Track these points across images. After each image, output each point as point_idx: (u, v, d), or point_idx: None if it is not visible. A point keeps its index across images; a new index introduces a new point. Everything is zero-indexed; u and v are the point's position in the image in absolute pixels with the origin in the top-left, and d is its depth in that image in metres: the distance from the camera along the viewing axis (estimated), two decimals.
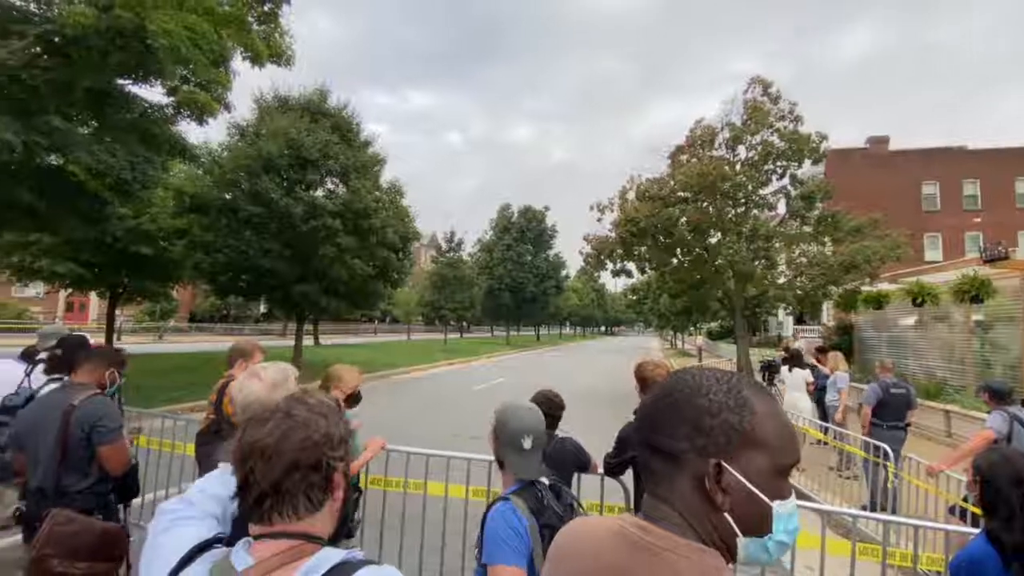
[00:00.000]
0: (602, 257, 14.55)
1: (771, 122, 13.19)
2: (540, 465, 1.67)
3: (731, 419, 0.68)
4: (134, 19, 5.68)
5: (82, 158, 8.29)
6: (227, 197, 14.36)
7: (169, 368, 13.83)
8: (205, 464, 2.82)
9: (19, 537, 3.94)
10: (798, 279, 13.68)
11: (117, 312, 19.19)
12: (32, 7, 7.60)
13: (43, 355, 4.25)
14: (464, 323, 40.78)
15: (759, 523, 0.67)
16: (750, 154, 13.58)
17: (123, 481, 2.67)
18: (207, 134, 54.11)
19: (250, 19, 6.66)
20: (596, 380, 17.70)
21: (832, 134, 13.52)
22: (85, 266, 15.55)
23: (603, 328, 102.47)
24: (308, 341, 22.51)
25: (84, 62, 6.75)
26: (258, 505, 0.85)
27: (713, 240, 14.01)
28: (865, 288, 13.21)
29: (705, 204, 13.51)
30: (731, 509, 0.66)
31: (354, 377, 3.14)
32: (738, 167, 13.65)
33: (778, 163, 13.41)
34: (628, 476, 2.97)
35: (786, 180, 13.72)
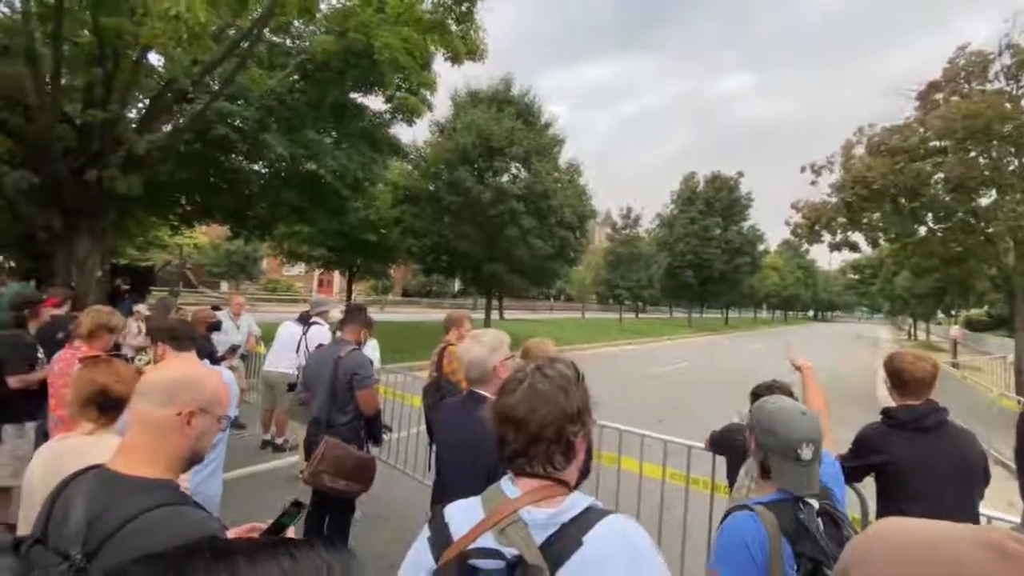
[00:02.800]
0: (816, 227, 12.27)
1: None
2: (817, 480, 1.41)
3: None
4: (363, 39, 6.76)
5: (328, 163, 10.29)
6: (431, 188, 16.32)
7: (389, 333, 16.51)
8: (430, 415, 3.26)
9: (299, 457, 5.21)
10: None
11: (353, 287, 23.71)
12: (288, 43, 9.61)
13: (314, 318, 5.47)
14: (640, 303, 39.38)
15: None
16: None
17: (372, 421, 3.27)
18: (414, 133, 61.92)
19: (449, 21, 7.31)
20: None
21: None
22: (331, 250, 19.59)
23: (812, 313, 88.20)
24: (494, 315, 24.48)
25: (328, 82, 8.30)
26: (512, 460, 1.03)
27: (984, 201, 10.71)
28: None
29: (973, 154, 10.36)
30: None
31: (547, 351, 3.23)
32: None
33: None
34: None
35: None
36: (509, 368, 1.99)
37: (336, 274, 35.08)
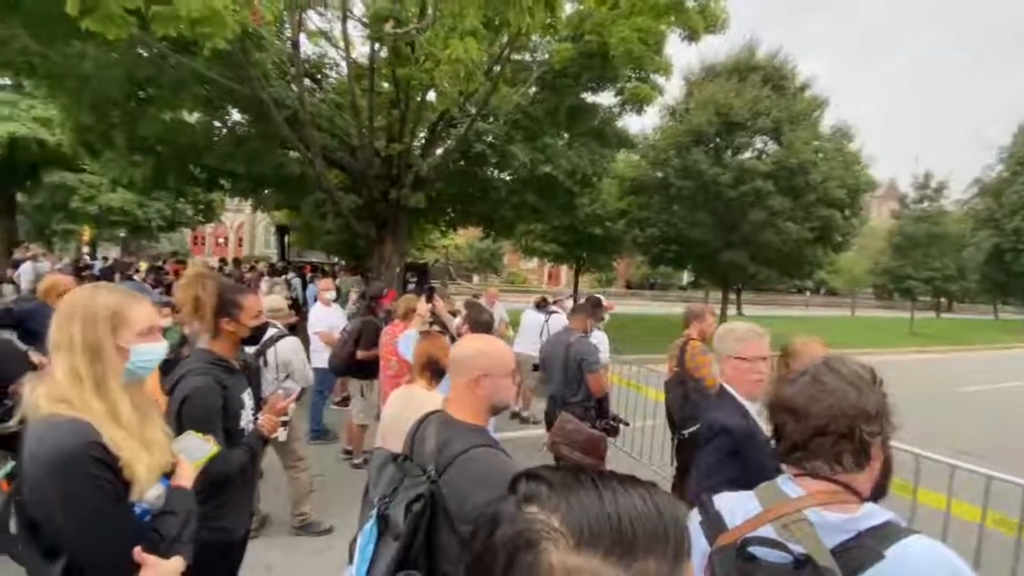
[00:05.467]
0: None
1: None
2: None
3: None
4: (598, 39, 7.00)
5: (562, 164, 11.00)
6: (659, 176, 15.83)
7: (617, 325, 16.66)
8: (674, 410, 3.26)
9: (539, 431, 5.81)
10: None
11: (579, 279, 24.87)
12: (527, 57, 10.55)
13: (553, 307, 6.02)
14: (943, 299, 30.08)
15: None
16: None
17: (600, 403, 3.56)
18: (642, 121, 60.99)
19: None
20: None
21: None
22: (561, 245, 21.01)
23: None
24: (731, 310, 22.29)
25: (564, 88, 8.86)
26: (790, 454, 0.98)
27: None
28: None
29: None
30: None
31: (813, 353, 2.83)
32: None
33: None
34: None
35: None
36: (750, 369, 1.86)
37: (564, 267, 37.50)
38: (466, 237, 37.57)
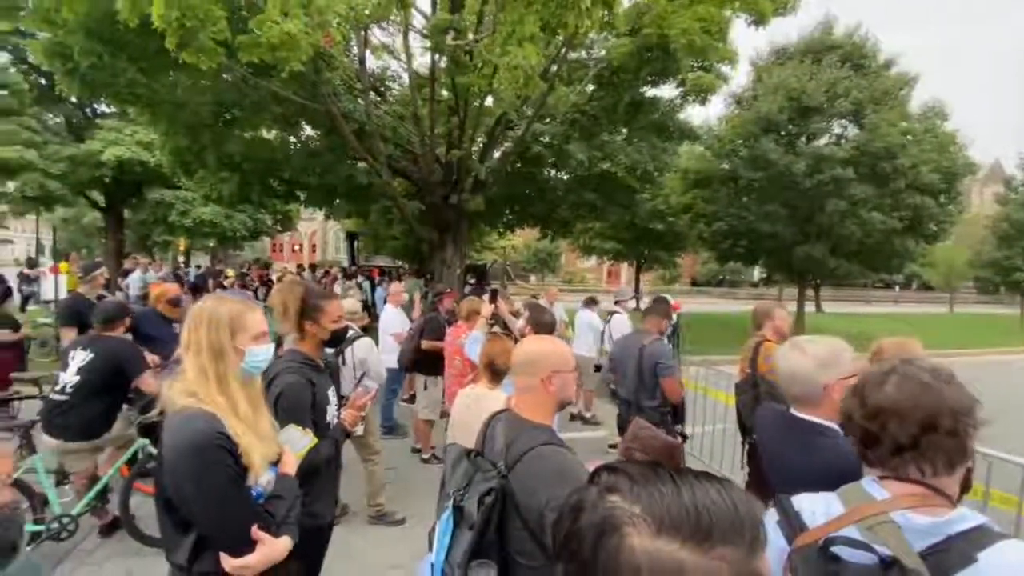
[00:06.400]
0: None
1: None
2: None
3: None
4: (658, 31, 6.83)
5: (621, 160, 10.81)
6: (726, 167, 15.12)
7: (683, 324, 16.07)
8: (745, 413, 3.15)
9: (607, 432, 5.75)
10: None
11: (640, 277, 24.31)
12: (583, 55, 10.44)
13: (615, 308, 5.96)
14: None
15: None
16: None
17: (675, 408, 3.44)
18: (707, 112, 58.44)
19: None
20: None
21: None
22: (621, 243, 20.63)
23: None
24: (809, 307, 20.84)
25: (623, 83, 8.71)
26: (894, 456, 0.95)
27: None
28: None
29: None
30: None
31: (910, 354, 2.63)
32: None
33: None
34: None
35: None
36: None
37: (624, 265, 36.75)
38: (524, 237, 37.73)
